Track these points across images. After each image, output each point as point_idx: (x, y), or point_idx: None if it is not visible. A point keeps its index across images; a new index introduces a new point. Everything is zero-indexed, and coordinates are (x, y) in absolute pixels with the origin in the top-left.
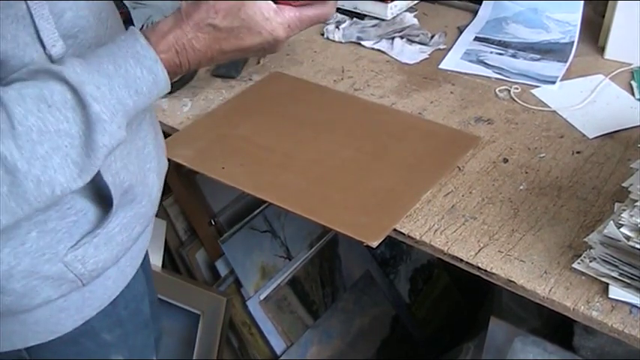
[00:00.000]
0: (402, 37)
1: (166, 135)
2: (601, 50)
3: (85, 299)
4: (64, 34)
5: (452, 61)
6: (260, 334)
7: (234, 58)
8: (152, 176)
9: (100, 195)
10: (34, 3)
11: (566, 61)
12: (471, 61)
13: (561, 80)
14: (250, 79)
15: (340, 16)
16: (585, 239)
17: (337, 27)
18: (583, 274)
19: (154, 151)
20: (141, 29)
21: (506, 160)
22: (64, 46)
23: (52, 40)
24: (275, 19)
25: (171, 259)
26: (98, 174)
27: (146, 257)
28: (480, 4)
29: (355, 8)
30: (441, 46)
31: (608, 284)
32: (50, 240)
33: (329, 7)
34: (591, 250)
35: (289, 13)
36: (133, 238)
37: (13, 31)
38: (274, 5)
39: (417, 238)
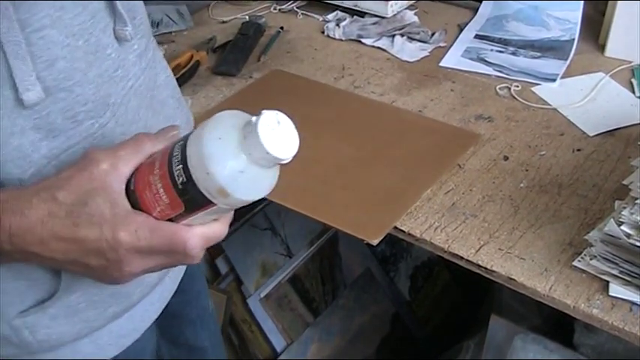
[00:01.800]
0: (402, 35)
1: None
2: (601, 48)
3: None
4: (53, 85)
5: (452, 59)
6: (260, 332)
7: (68, 254)
8: None
9: None
10: (10, 41)
11: (566, 59)
12: (471, 58)
13: (562, 78)
14: (251, 77)
15: (341, 14)
16: (586, 237)
17: (338, 25)
18: (583, 271)
19: None
20: None
21: (506, 158)
22: (42, 93)
23: (26, 84)
24: (122, 218)
25: None
26: None
27: (196, 309)
28: (481, 1)
29: (356, 6)
30: (442, 44)
31: (608, 282)
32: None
33: (190, 239)
34: (592, 248)
35: (142, 217)
36: (106, 317)
37: None
38: (128, 205)
39: (418, 235)
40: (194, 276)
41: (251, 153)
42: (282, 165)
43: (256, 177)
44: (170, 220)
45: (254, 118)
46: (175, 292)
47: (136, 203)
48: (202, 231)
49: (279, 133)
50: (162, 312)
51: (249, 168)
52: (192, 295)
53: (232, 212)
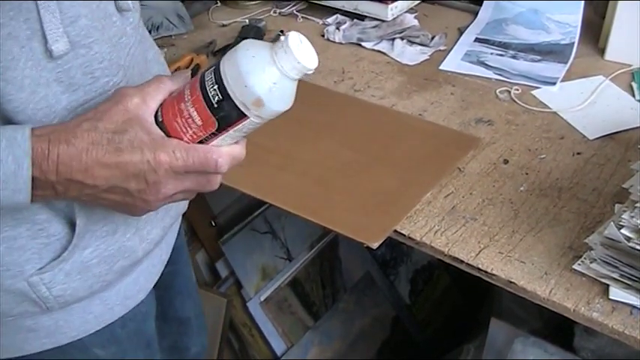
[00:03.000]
0: (402, 39)
1: None
2: (601, 51)
3: (59, 327)
4: (76, 41)
5: (452, 63)
6: (260, 335)
7: (110, 180)
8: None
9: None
10: None
11: (566, 63)
12: (471, 62)
13: (562, 81)
14: None
15: (341, 17)
16: (586, 240)
17: (338, 28)
18: (583, 275)
19: None
20: None
21: (506, 162)
22: (68, 44)
23: (55, 35)
24: (160, 141)
25: None
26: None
27: (184, 278)
28: (481, 5)
29: (356, 9)
30: (442, 48)
31: (608, 285)
32: (17, 257)
33: (221, 157)
34: (592, 252)
35: (176, 140)
36: (115, 271)
37: (10, 22)
38: (161, 132)
39: (418, 239)
40: (181, 247)
41: (283, 66)
42: (283, 171)
43: (285, 88)
44: (200, 142)
45: (282, 38)
46: (168, 261)
47: (165, 132)
48: (229, 150)
49: (303, 49)
50: (156, 283)
51: (282, 80)
52: (180, 264)
53: (245, 139)
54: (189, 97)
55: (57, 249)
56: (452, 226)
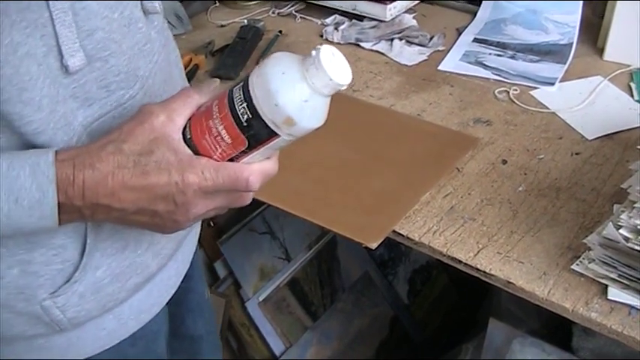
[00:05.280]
0: (400, 39)
1: None
2: (600, 51)
3: (71, 344)
4: (92, 54)
5: (451, 63)
6: (259, 336)
7: (137, 202)
8: None
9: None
10: (58, 9)
11: (565, 63)
12: (469, 62)
13: (560, 82)
14: None
15: (339, 18)
16: (584, 240)
17: (336, 28)
18: (582, 275)
19: None
20: None
21: (505, 162)
22: (85, 59)
23: (71, 50)
24: (187, 162)
25: None
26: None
27: (196, 295)
28: (479, 5)
29: (354, 9)
30: (440, 48)
31: (607, 285)
32: (31, 282)
33: (252, 174)
34: (590, 252)
35: (205, 160)
36: (128, 289)
37: (27, 39)
38: (189, 151)
39: (416, 239)
40: (195, 263)
41: (314, 82)
42: (282, 171)
43: (317, 105)
44: (230, 160)
45: (314, 52)
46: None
47: (194, 150)
48: (260, 167)
49: (336, 63)
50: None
51: (313, 97)
52: (193, 281)
53: (277, 152)
54: (218, 115)
55: (69, 272)
56: (450, 227)
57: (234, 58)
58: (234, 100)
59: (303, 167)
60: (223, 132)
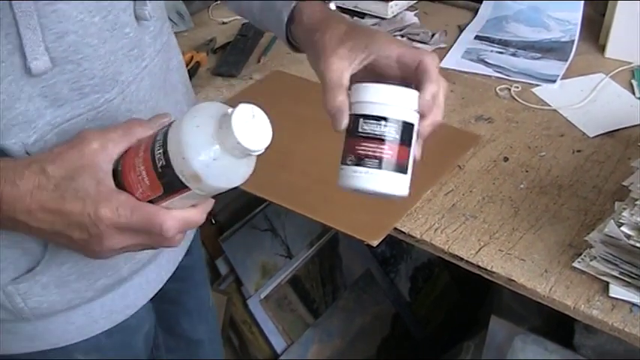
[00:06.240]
0: (402, 36)
1: None
2: (601, 49)
3: (38, 333)
4: (62, 57)
5: (452, 60)
6: (260, 333)
7: (54, 225)
8: None
9: None
10: (22, 11)
11: (566, 60)
12: (471, 59)
13: (562, 79)
14: (251, 78)
15: None
16: (586, 238)
17: None
18: (583, 272)
19: None
20: None
21: (506, 159)
22: (49, 63)
23: (34, 53)
24: (105, 195)
25: None
26: None
27: (195, 300)
28: (481, 2)
29: (356, 7)
30: (442, 45)
31: (608, 283)
32: None
33: (167, 221)
34: (592, 249)
35: (124, 196)
36: (97, 289)
37: None
38: (112, 185)
39: (418, 236)
40: (195, 267)
41: (223, 142)
42: (284, 168)
43: (229, 166)
44: (150, 201)
45: (230, 110)
46: (174, 278)
47: (121, 183)
48: (180, 215)
49: (252, 126)
50: (160, 297)
51: (222, 157)
52: (191, 284)
53: (211, 200)
54: (142, 154)
55: (32, 261)
56: (452, 224)
57: (235, 55)
58: (155, 144)
59: (305, 165)
60: (144, 173)
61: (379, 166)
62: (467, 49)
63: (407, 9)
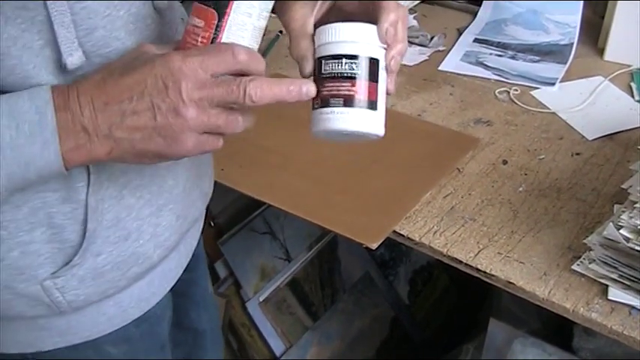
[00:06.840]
0: None
1: None
2: (600, 52)
3: (71, 327)
4: (91, 51)
5: (451, 63)
6: (259, 336)
7: (134, 88)
8: (165, 216)
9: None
10: (57, 10)
11: (565, 63)
12: (470, 62)
13: (561, 82)
14: None
15: None
16: (585, 241)
17: None
18: (582, 275)
19: (178, 188)
20: None
21: (505, 162)
22: (83, 57)
23: (69, 49)
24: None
25: None
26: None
27: (200, 290)
28: (480, 5)
29: None
30: (441, 48)
31: (607, 286)
32: (31, 262)
33: (235, 45)
34: (591, 252)
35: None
36: (128, 277)
37: (23, 34)
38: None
39: (417, 239)
40: (199, 257)
41: None
42: (283, 171)
43: None
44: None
45: None
46: (187, 268)
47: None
48: (244, 47)
49: None
50: (173, 289)
51: None
52: (198, 274)
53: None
54: (191, 15)
55: (70, 254)
56: (451, 227)
57: None
58: None
59: (304, 167)
60: (196, 20)
61: (345, 104)
62: (466, 52)
63: None
